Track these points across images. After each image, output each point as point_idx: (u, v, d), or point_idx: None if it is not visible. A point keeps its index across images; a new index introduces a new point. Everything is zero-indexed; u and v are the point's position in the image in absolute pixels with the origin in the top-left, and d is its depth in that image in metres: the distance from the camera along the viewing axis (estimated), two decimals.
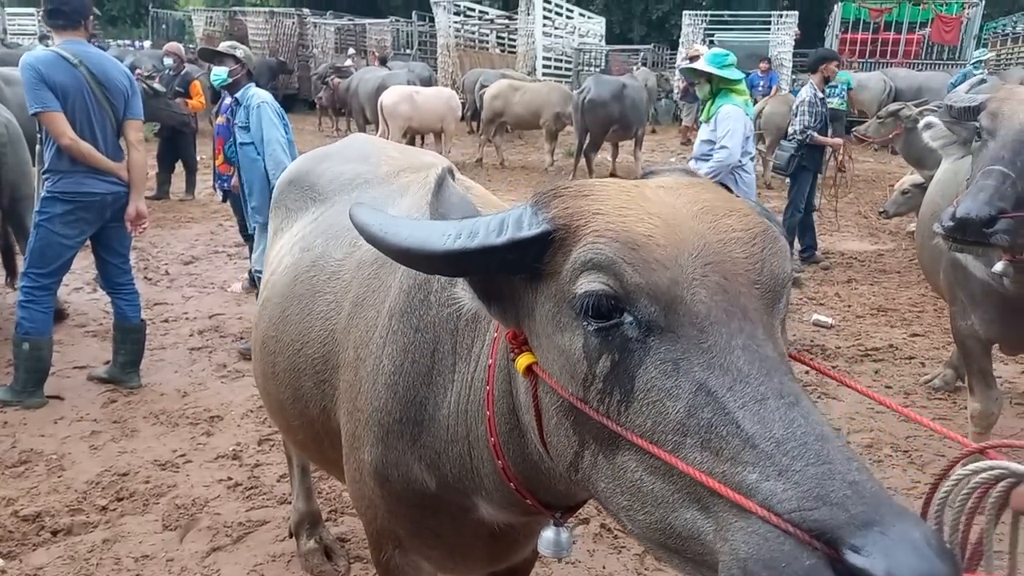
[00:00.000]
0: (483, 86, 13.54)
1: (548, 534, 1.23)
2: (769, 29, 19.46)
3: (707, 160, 4.84)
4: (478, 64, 18.62)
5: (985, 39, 20.35)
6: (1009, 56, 18.70)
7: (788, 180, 7.09)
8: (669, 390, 0.86)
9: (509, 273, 1.04)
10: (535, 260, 0.98)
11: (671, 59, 22.48)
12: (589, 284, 0.91)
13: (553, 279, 0.98)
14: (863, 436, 3.91)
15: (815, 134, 6.69)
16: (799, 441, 0.76)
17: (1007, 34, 20.75)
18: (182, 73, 9.68)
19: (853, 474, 0.73)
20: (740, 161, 4.86)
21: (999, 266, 2.47)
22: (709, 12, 21.11)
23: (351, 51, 20.24)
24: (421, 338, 1.40)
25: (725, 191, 1.05)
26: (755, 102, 13.54)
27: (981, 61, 13.52)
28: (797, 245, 7.19)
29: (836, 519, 0.69)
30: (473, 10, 22.15)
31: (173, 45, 10.80)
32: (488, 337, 1.29)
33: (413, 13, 24.58)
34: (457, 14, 20.37)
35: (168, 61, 9.90)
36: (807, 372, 4.70)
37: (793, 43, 18.75)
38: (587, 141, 11.14)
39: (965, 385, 3.99)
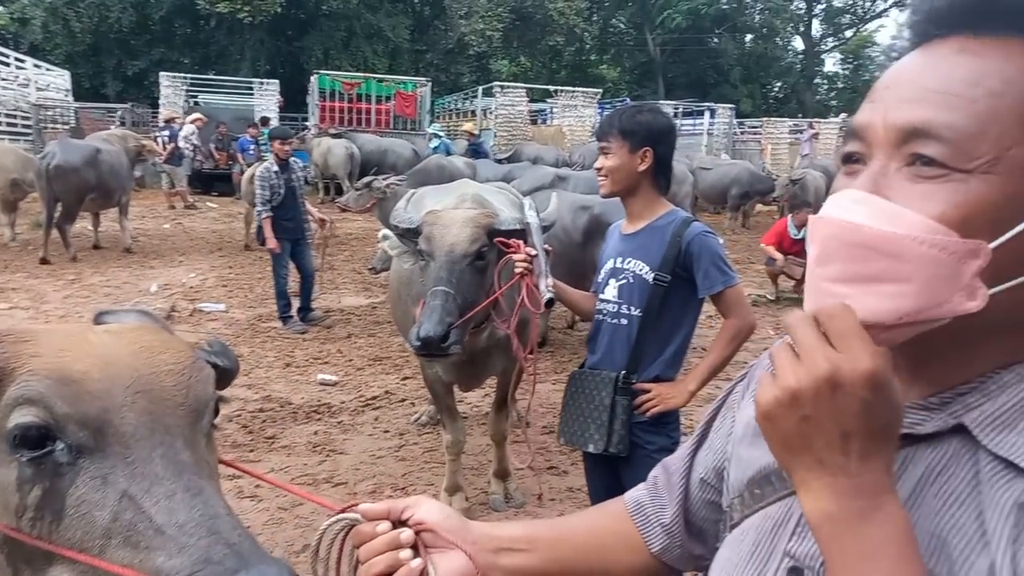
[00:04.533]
0: None
1: None
2: (253, 94, 19.94)
3: None
4: None
5: (438, 113, 24.34)
6: (456, 127, 22.69)
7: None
8: (97, 502, 1.00)
9: None
10: None
11: (153, 119, 21.33)
12: (20, 417, 1.01)
13: None
14: (368, 483, 4.28)
15: (266, 215, 7.10)
16: (196, 522, 0.97)
17: (451, 109, 25.39)
18: None
19: (234, 538, 0.96)
20: None
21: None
22: (190, 75, 20.63)
23: None
24: None
25: (166, 334, 1.24)
26: (248, 166, 13.83)
27: (437, 135, 16.24)
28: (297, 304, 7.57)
29: (216, 572, 0.92)
30: None
31: None
32: None
33: None
34: None
35: None
36: (315, 433, 4.97)
37: (278, 109, 19.57)
38: (59, 211, 9.82)
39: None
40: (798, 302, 8.21)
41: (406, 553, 0.96)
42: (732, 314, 2.56)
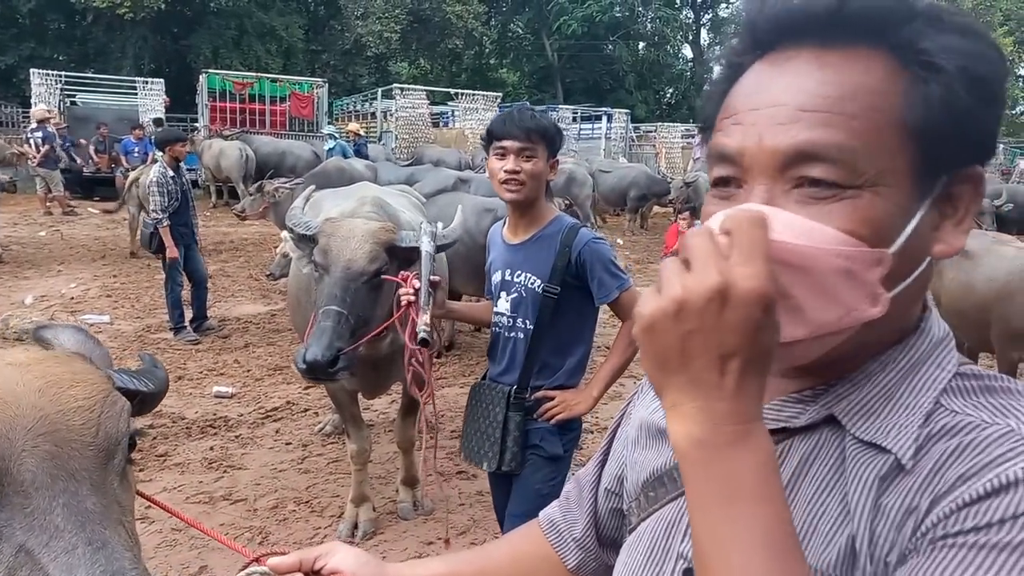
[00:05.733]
0: None
1: None
2: (136, 94, 18.90)
3: None
4: None
5: (337, 115, 23.82)
6: (350, 132, 22.27)
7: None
8: None
9: None
10: None
11: (24, 119, 19.81)
12: None
13: None
14: (269, 499, 4.12)
15: (165, 222, 6.82)
16: None
17: (350, 111, 24.91)
18: None
19: None
20: None
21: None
22: (64, 73, 19.30)
23: None
24: None
25: (79, 362, 1.13)
26: (131, 169, 13.07)
27: (333, 136, 15.89)
28: (190, 314, 7.22)
29: None
30: None
31: None
32: None
33: None
34: None
35: None
36: (211, 448, 4.74)
37: (164, 109, 18.62)
38: None
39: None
40: None
41: None
42: (629, 316, 2.47)
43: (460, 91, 22.92)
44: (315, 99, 20.41)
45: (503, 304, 2.54)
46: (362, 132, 17.54)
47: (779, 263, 0.63)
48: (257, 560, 0.99)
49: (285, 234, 3.29)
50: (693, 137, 22.54)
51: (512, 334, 2.52)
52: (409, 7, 28.73)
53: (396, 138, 20.06)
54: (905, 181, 0.67)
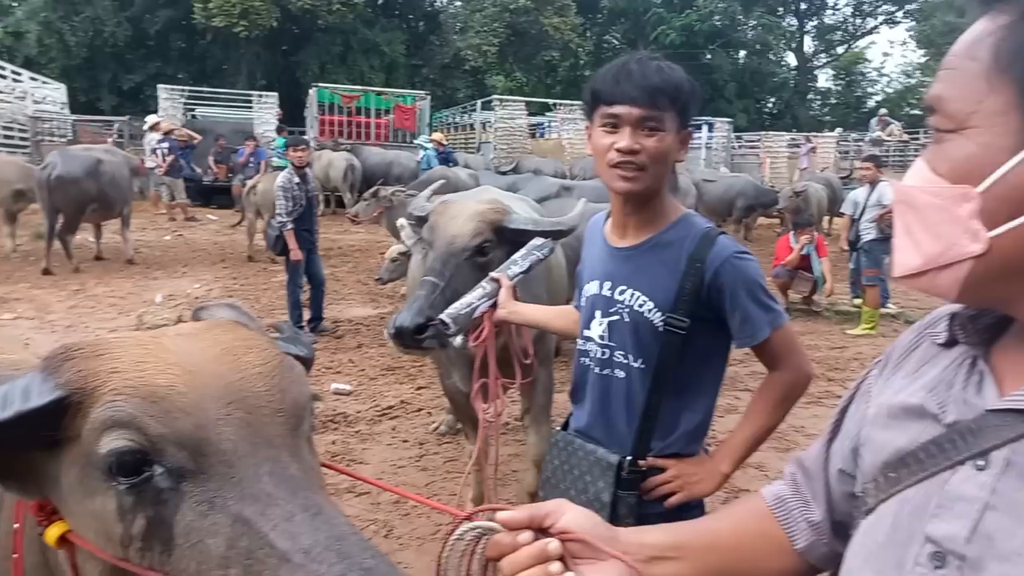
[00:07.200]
0: None
1: None
2: (251, 107, 19.91)
3: None
4: None
5: (436, 127, 24.39)
6: (454, 141, 22.75)
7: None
8: (207, 528, 0.90)
9: (23, 448, 0.95)
10: (51, 429, 0.93)
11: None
12: (112, 442, 0.91)
13: (75, 444, 0.94)
14: (391, 493, 4.19)
15: (289, 226, 7.07)
16: (323, 546, 0.87)
17: (449, 123, 25.52)
18: None
19: (368, 561, 0.87)
20: None
21: (458, 340, 2.52)
22: (187, 88, 20.58)
23: None
24: None
25: (244, 330, 1.12)
26: (247, 178, 13.75)
27: (423, 146, 16.40)
28: (307, 315, 7.49)
29: None
30: None
31: None
32: (7, 499, 1.14)
33: None
34: None
35: None
36: (333, 442, 4.88)
37: (277, 121, 19.53)
38: (60, 222, 9.72)
39: (463, 427, 4.65)
40: (808, 314, 8.17)
41: (556, 566, 0.85)
42: (781, 364, 1.80)
43: (558, 102, 23.03)
44: (417, 111, 20.95)
45: (596, 328, 1.86)
46: (445, 142, 17.96)
47: (900, 203, 0.79)
48: (468, 518, 0.94)
49: (400, 222, 3.31)
50: (799, 146, 21.76)
51: (606, 371, 1.85)
52: (507, 21, 29.14)
53: (494, 148, 20.32)
54: (1001, 124, 0.70)
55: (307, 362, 1.30)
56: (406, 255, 7.27)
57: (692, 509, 1.81)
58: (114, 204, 10.30)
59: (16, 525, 1.10)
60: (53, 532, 0.97)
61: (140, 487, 0.91)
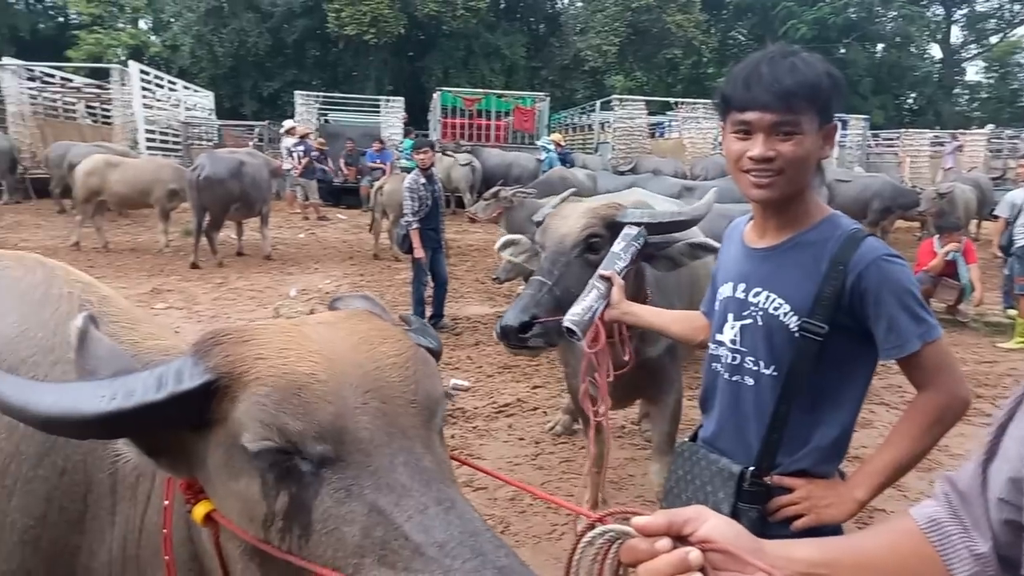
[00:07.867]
0: (71, 164, 12.02)
1: None
2: (379, 112, 20.74)
3: None
4: (65, 136, 16.38)
5: (554, 128, 24.49)
6: (572, 141, 22.76)
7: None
8: (344, 516, 0.92)
9: (175, 427, 1.00)
10: (200, 411, 0.98)
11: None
12: (255, 443, 0.95)
13: (222, 427, 0.98)
14: (508, 490, 4.23)
15: (415, 225, 7.29)
16: (457, 541, 0.88)
17: (567, 124, 25.56)
18: None
19: (501, 560, 0.86)
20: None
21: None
22: (321, 94, 21.71)
23: None
24: (69, 480, 1.23)
25: (379, 320, 1.15)
26: (375, 179, 14.35)
27: (546, 148, 16.44)
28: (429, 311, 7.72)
29: None
30: (53, 76, 19.52)
31: None
32: (160, 475, 1.21)
33: None
34: (32, 79, 17.76)
35: None
36: (452, 437, 4.99)
37: (403, 125, 20.25)
38: (207, 220, 10.52)
39: (581, 427, 4.64)
40: (953, 324, 7.56)
41: None
42: (933, 384, 1.63)
43: (680, 100, 22.55)
44: (536, 113, 21.11)
45: (728, 332, 1.79)
46: (563, 143, 17.96)
47: None
48: (601, 520, 0.91)
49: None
50: (943, 144, 20.23)
51: (735, 378, 1.78)
52: (629, 20, 28.81)
53: (612, 148, 20.15)
54: None
55: (436, 354, 1.32)
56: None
57: (827, 535, 1.63)
58: (255, 203, 11.02)
59: (167, 502, 1.17)
60: (200, 510, 1.03)
61: (282, 471, 0.95)
